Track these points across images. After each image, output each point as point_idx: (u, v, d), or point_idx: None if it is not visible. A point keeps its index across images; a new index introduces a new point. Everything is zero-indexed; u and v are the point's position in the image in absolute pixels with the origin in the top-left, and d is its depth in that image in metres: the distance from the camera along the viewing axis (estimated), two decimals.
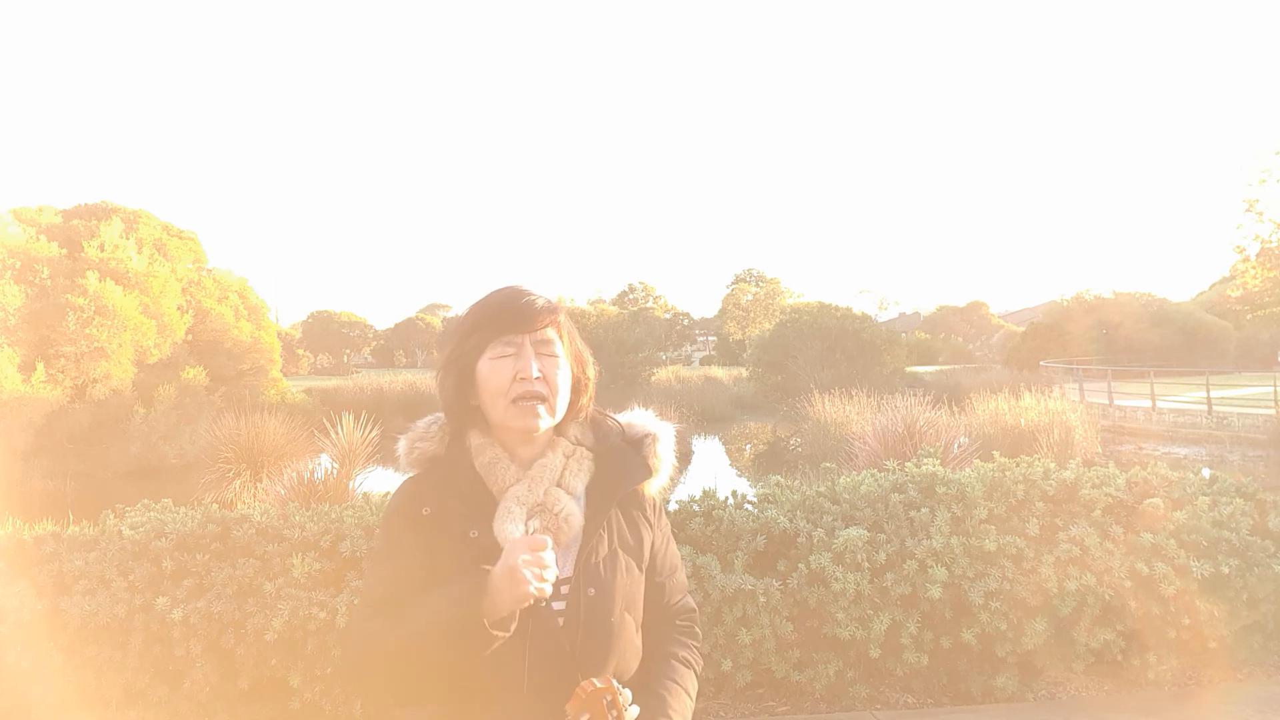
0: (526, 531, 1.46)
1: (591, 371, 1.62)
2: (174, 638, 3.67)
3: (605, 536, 1.53)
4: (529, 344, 1.51)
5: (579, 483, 1.55)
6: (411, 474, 1.60)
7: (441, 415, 1.62)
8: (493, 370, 1.51)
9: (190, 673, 3.67)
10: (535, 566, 1.33)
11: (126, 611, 3.70)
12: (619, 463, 1.60)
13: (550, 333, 1.54)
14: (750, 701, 3.97)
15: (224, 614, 3.65)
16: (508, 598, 1.33)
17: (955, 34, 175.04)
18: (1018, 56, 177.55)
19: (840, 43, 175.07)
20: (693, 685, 1.59)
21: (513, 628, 1.36)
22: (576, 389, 1.59)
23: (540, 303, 1.54)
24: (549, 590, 1.35)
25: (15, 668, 3.66)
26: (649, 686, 1.51)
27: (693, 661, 1.62)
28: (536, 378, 1.49)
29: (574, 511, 1.50)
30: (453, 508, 1.49)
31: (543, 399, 1.50)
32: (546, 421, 1.52)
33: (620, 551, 1.54)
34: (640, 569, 1.57)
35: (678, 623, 1.65)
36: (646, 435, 1.65)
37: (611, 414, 1.69)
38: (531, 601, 1.34)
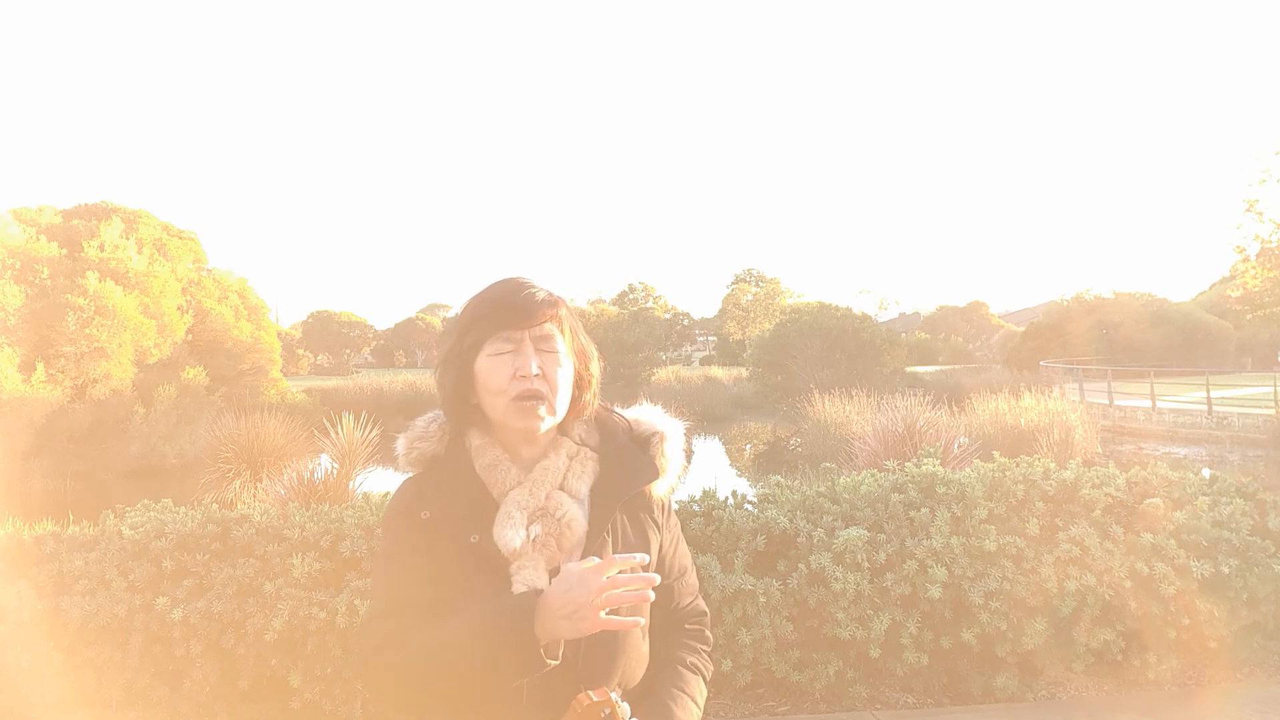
0: (528, 537, 1.41)
1: (595, 367, 1.56)
2: (174, 638, 3.67)
3: (609, 541, 1.47)
4: (529, 340, 1.45)
5: (582, 485, 1.49)
6: (410, 474, 1.54)
7: (441, 413, 1.56)
8: (491, 368, 1.45)
9: (190, 673, 3.67)
10: (601, 605, 1.26)
11: (126, 611, 3.70)
12: (624, 464, 1.54)
13: (551, 328, 1.48)
14: (750, 701, 3.97)
15: (224, 614, 3.65)
16: (564, 630, 1.27)
17: (955, 34, 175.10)
18: (1018, 56, 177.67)
19: (840, 42, 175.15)
20: (701, 693, 1.53)
21: (560, 653, 1.30)
22: (579, 385, 1.52)
23: (540, 296, 1.47)
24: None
25: (15, 668, 3.66)
26: (655, 694, 1.46)
27: (701, 667, 1.56)
28: (536, 375, 1.44)
29: (577, 516, 1.45)
30: (452, 511, 1.44)
31: (542, 398, 1.44)
32: (548, 422, 1.47)
33: None
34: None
35: (687, 627, 1.60)
36: (654, 434, 1.59)
37: (618, 409, 1.62)
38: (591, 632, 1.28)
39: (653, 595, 1.29)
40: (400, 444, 1.56)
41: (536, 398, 1.44)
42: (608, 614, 1.27)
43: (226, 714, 3.70)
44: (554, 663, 1.29)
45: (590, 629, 1.26)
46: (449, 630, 1.33)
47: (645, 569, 1.50)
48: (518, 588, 1.37)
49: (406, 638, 1.36)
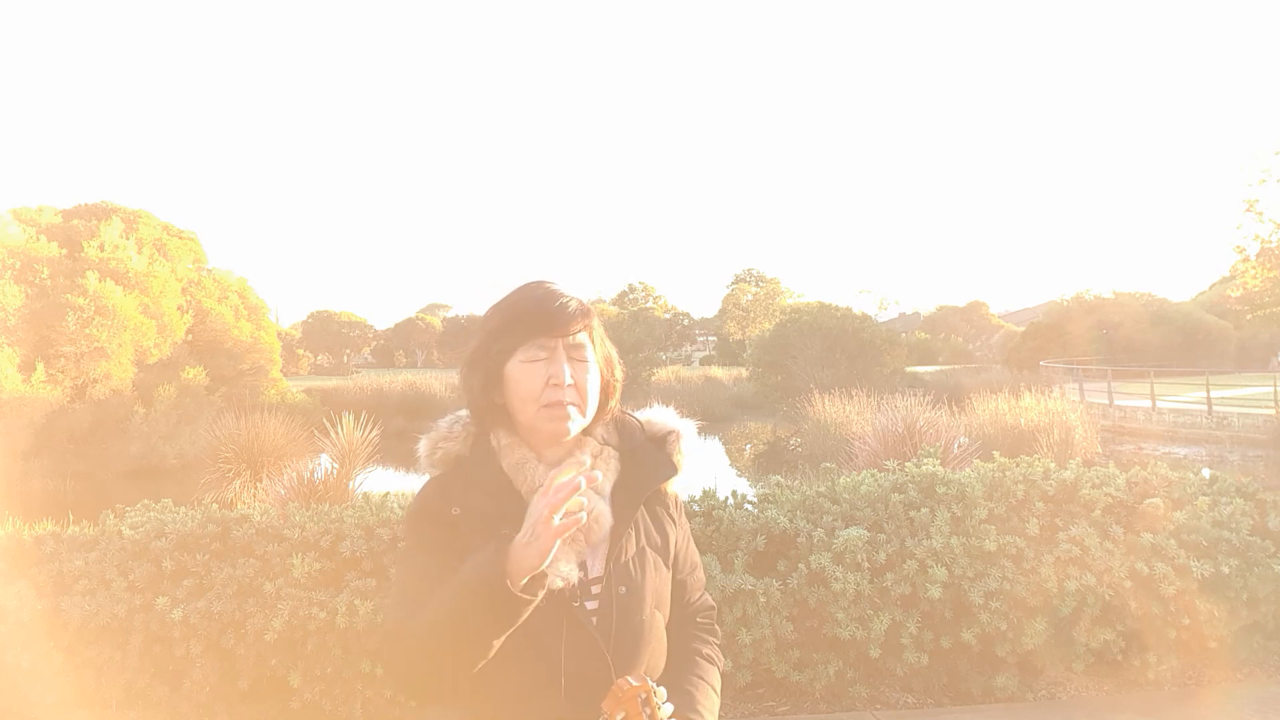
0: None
1: (619, 373, 1.61)
2: (174, 638, 3.67)
3: (633, 535, 1.53)
4: (562, 349, 1.49)
5: (607, 482, 1.54)
6: (434, 474, 1.58)
7: (463, 415, 1.60)
8: (524, 374, 1.48)
9: (190, 673, 3.67)
10: (557, 505, 1.26)
11: (126, 611, 3.70)
12: (644, 461, 1.59)
13: (583, 337, 1.52)
14: (750, 701, 3.97)
15: (224, 614, 3.65)
16: (531, 557, 1.28)
17: (955, 33, 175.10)
18: (1018, 56, 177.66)
19: (840, 42, 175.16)
20: (718, 681, 1.59)
21: (541, 594, 1.31)
22: (605, 391, 1.57)
23: (574, 306, 1.51)
24: (583, 518, 1.28)
25: (15, 668, 3.66)
26: (676, 684, 1.51)
27: (716, 658, 1.63)
28: (569, 384, 1.48)
29: (603, 511, 1.49)
30: (482, 508, 1.48)
31: (574, 404, 1.49)
32: (577, 425, 1.51)
33: (648, 549, 1.54)
34: (667, 566, 1.58)
35: (699, 620, 1.66)
36: (669, 433, 1.64)
37: (631, 411, 1.68)
38: (551, 557, 1.27)
39: (584, 483, 1.27)
40: (423, 446, 1.59)
41: (568, 404, 1.48)
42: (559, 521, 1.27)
43: (226, 714, 3.70)
44: (530, 599, 1.30)
45: (549, 541, 1.26)
46: (434, 603, 1.36)
47: (665, 559, 1.57)
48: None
49: (402, 626, 1.40)
